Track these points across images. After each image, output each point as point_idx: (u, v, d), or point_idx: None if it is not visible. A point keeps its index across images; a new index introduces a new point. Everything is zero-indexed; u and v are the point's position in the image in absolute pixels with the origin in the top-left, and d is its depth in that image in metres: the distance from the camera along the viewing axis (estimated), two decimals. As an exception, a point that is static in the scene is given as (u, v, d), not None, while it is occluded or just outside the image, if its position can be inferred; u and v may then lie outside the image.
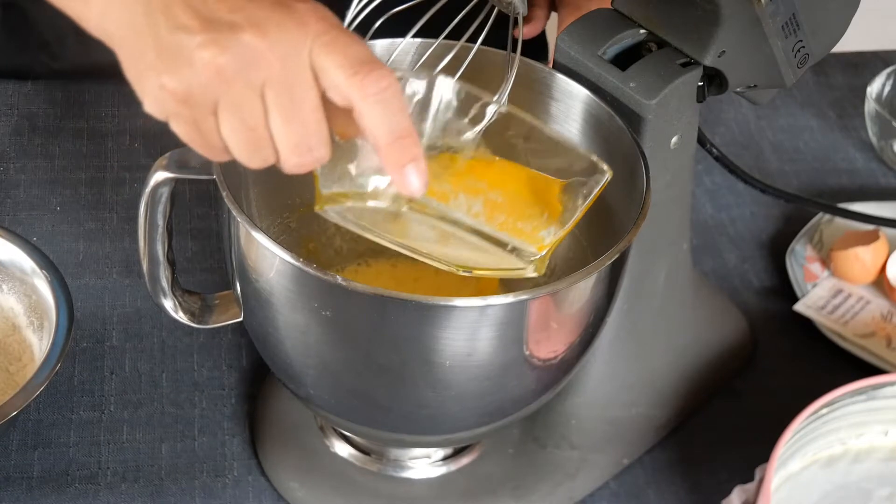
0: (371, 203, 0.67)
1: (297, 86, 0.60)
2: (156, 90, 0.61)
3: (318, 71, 0.60)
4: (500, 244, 0.70)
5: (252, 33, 0.59)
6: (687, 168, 0.82)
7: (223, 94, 0.60)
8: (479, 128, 0.69)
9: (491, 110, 0.69)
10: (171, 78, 0.60)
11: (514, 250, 0.70)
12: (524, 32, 0.78)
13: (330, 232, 0.86)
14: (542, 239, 0.70)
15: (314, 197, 0.67)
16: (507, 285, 0.85)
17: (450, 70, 0.75)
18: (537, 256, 0.70)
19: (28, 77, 1.11)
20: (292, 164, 0.62)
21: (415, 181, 0.61)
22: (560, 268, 0.84)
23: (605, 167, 0.70)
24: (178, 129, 0.62)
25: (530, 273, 0.70)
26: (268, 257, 0.68)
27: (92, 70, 1.08)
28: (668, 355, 0.88)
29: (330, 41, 0.60)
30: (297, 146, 0.61)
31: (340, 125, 0.62)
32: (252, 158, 0.62)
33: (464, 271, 0.69)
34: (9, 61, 1.13)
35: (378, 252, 0.86)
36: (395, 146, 0.61)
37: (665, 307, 0.86)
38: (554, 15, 1.09)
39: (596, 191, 0.70)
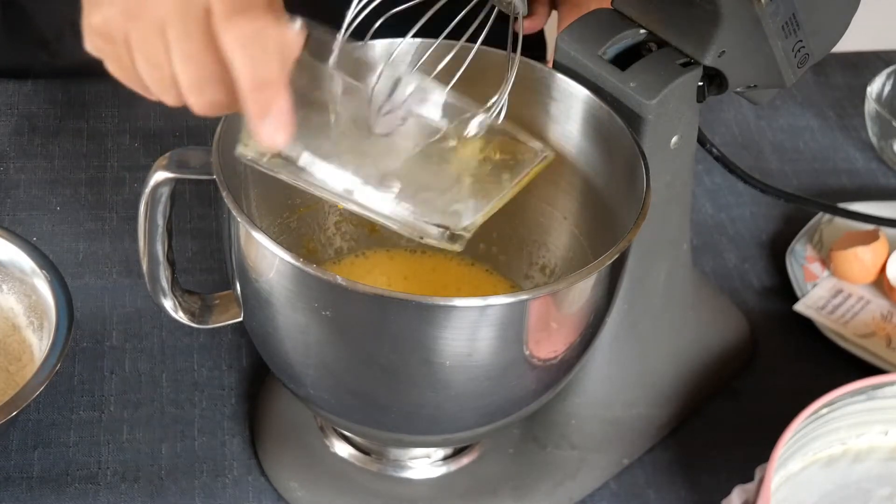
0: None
1: (191, 25, 0.61)
2: (86, 27, 0.65)
3: (209, 12, 0.61)
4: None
5: None
6: (687, 168, 0.82)
7: (132, 30, 0.62)
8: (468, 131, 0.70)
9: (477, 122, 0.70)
10: (93, 14, 0.64)
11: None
12: (524, 27, 0.78)
13: (330, 232, 0.86)
14: (459, 214, 0.69)
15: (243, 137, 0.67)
16: (507, 285, 0.85)
17: (450, 70, 0.75)
18: (461, 231, 0.69)
19: (28, 76, 1.11)
20: (192, 103, 0.63)
21: (273, 133, 0.61)
22: (560, 268, 0.84)
23: (546, 152, 0.69)
24: (108, 65, 0.66)
25: (451, 245, 0.69)
26: (268, 257, 0.68)
27: (91, 67, 1.08)
28: (668, 355, 0.88)
29: None
30: (193, 86, 0.62)
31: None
32: (166, 96, 0.64)
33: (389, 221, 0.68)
34: (9, 60, 1.13)
35: (376, 243, 0.86)
36: (255, 94, 0.61)
37: (665, 307, 0.86)
38: (554, 13, 1.09)
39: (530, 169, 0.70)
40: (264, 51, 0.60)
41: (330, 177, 0.68)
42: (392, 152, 0.71)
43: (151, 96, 0.66)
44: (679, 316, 0.88)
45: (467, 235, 0.69)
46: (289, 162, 0.67)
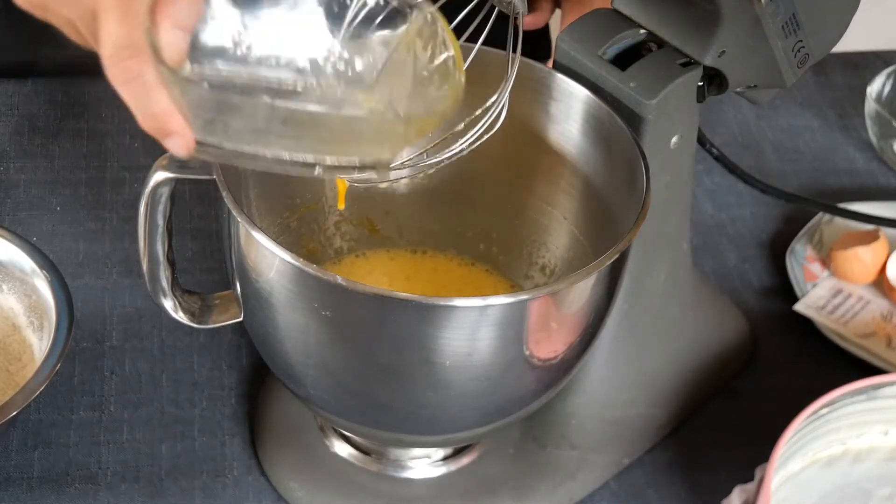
0: None
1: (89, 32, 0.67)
2: None
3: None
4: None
5: None
6: (687, 168, 0.82)
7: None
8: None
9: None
10: None
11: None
12: (526, 23, 0.78)
13: (330, 232, 0.86)
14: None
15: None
16: (507, 285, 0.85)
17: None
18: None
19: (32, 72, 1.11)
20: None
21: (178, 149, 0.65)
22: (560, 268, 0.84)
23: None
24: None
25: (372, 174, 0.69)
26: (268, 257, 0.68)
27: (95, 60, 1.08)
28: (668, 355, 0.88)
29: (108, 9, 0.64)
30: None
31: None
32: None
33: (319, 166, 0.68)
34: (12, 54, 1.13)
35: (376, 244, 0.87)
36: (150, 124, 0.64)
37: (665, 307, 0.86)
38: (557, 12, 1.09)
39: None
40: (147, 91, 0.63)
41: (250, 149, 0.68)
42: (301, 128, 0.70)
43: None
44: (679, 316, 0.88)
45: (388, 165, 0.69)
46: (214, 147, 0.68)
